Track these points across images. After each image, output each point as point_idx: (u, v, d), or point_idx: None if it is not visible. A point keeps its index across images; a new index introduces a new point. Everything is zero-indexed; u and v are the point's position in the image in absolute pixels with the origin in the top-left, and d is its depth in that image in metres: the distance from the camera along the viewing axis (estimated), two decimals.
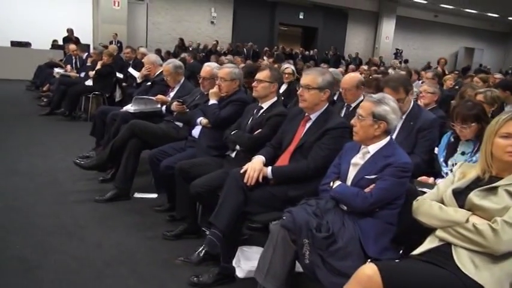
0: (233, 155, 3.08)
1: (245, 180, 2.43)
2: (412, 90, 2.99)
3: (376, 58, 17.53)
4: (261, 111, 3.07)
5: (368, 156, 2.15)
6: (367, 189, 2.06)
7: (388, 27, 20.68)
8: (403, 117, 2.93)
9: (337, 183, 2.18)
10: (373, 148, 2.15)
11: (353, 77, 3.58)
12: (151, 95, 4.59)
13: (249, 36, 17.40)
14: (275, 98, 3.09)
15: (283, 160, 2.60)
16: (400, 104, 2.87)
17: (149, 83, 4.83)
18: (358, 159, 2.18)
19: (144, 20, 16.32)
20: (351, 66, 11.96)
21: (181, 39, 14.96)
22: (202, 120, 3.49)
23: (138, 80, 5.04)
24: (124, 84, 7.59)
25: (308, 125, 2.61)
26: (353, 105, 3.55)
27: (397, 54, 20.16)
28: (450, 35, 22.83)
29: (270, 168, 2.51)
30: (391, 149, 2.13)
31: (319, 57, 16.85)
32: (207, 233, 2.43)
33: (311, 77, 2.53)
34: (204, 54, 13.53)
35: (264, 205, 2.48)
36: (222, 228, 2.37)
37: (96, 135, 4.93)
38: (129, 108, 4.28)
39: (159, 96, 4.29)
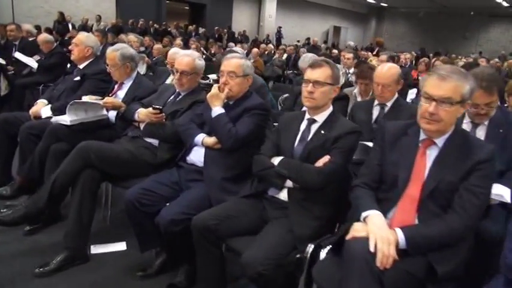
0: (282, 195, 1.92)
1: (379, 264, 1.37)
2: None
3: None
4: (315, 127, 1.96)
5: None
6: None
7: (270, 6, 20.14)
8: (486, 123, 2.15)
9: None
10: None
11: (392, 68, 2.62)
12: (81, 94, 3.04)
13: (135, 11, 15.05)
14: (331, 108, 2.00)
15: (406, 213, 1.57)
16: (489, 109, 2.09)
17: (78, 78, 3.20)
18: None
19: None
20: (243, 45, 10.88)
21: (62, 14, 12.12)
22: (205, 139, 2.22)
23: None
24: (10, 72, 5.51)
25: (433, 153, 1.60)
26: (389, 104, 2.63)
27: (280, 32, 19.86)
28: (322, 14, 23.36)
29: (400, 233, 1.46)
30: None
31: (211, 35, 15.51)
32: None
33: (454, 85, 1.50)
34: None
35: None
36: None
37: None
38: (62, 118, 2.69)
39: (109, 100, 2.78)
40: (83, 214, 2.29)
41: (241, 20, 19.52)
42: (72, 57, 3.27)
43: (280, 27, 19.98)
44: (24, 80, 5.36)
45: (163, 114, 2.45)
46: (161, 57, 6.92)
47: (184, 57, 2.60)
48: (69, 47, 3.29)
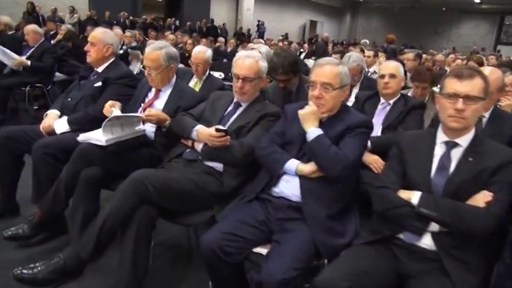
0: (425, 243, 1.49)
1: None
2: None
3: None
4: (458, 153, 1.53)
5: None
6: None
7: None
8: None
9: None
10: None
11: (494, 72, 2.20)
12: (103, 102, 2.49)
13: (109, 3, 14.09)
14: (473, 128, 1.58)
15: None
16: None
17: (99, 83, 2.62)
18: None
19: None
20: (221, 39, 10.20)
21: (32, 4, 11.05)
22: (301, 167, 1.75)
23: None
24: None
25: None
26: (487, 115, 2.23)
27: (259, 26, 19.34)
28: (299, 9, 23.03)
29: None
30: None
31: (192, 28, 14.76)
32: None
33: None
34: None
35: None
36: None
37: (2, 183, 2.56)
38: (95, 137, 2.12)
39: (153, 112, 2.24)
40: (138, 263, 1.78)
41: (219, 13, 18.81)
42: (89, 60, 2.66)
43: (261, 21, 19.44)
44: (8, 80, 4.63)
45: (229, 137, 1.95)
46: None
47: (245, 59, 2.12)
48: (85, 48, 2.68)
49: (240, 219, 1.74)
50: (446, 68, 6.51)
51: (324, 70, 1.78)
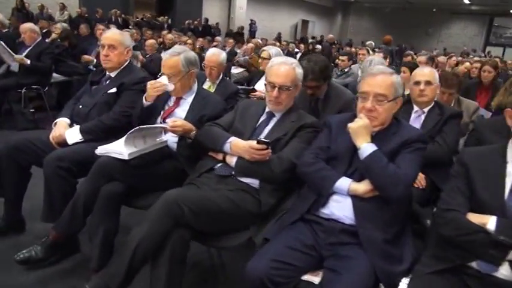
0: (503, 273, 1.34)
1: None
2: None
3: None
4: None
5: None
6: None
7: None
8: None
9: None
10: None
11: None
12: (118, 110, 2.33)
13: (100, 0, 13.74)
14: None
15: None
16: None
17: (114, 89, 2.42)
18: None
19: None
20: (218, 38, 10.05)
21: (22, 0, 10.63)
22: (353, 186, 1.59)
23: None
24: None
25: None
26: None
27: (251, 25, 19.14)
28: (290, 8, 22.88)
29: None
30: None
31: (184, 27, 14.48)
32: None
33: None
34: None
35: None
36: None
37: (6, 197, 2.34)
38: (116, 150, 1.92)
39: (179, 122, 2.05)
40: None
41: (211, 12, 18.53)
42: (109, 65, 2.42)
43: (253, 20, 19.23)
44: (3, 82, 4.39)
45: (270, 151, 1.79)
46: (156, 53, 6.07)
47: (280, 66, 1.95)
48: (103, 52, 2.45)
49: (287, 244, 1.57)
50: (447, 69, 6.45)
51: (377, 80, 1.63)
